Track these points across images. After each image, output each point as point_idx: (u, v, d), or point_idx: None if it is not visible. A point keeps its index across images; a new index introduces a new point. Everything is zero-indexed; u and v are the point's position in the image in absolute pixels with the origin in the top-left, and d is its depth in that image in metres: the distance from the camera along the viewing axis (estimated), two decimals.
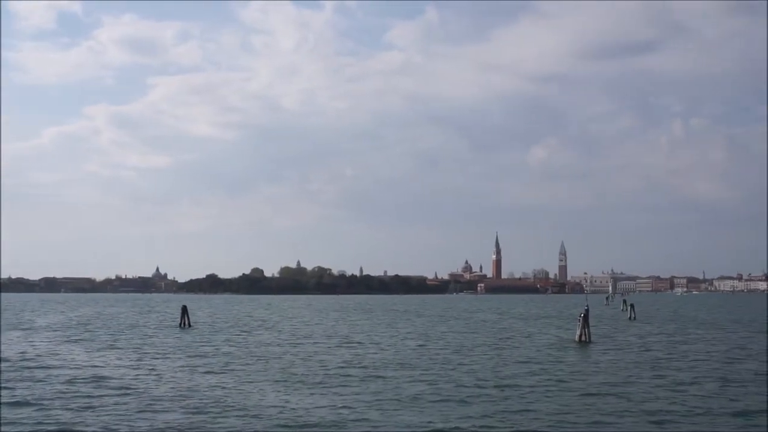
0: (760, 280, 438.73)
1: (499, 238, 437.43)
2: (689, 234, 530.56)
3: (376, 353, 32.15)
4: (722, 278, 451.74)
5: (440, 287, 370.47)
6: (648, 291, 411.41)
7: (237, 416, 16.95)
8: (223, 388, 21.24)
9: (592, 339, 37.72)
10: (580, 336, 37.66)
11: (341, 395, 19.90)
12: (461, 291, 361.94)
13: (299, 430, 15.70)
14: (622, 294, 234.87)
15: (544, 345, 36.58)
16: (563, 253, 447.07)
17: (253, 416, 16.98)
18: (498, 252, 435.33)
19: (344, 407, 18.06)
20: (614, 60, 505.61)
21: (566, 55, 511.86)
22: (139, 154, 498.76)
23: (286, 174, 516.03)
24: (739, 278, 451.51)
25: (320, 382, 22.50)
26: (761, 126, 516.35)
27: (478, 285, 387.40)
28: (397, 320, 66.82)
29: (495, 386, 21.52)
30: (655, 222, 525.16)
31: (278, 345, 36.80)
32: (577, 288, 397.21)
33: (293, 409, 17.89)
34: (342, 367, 26.45)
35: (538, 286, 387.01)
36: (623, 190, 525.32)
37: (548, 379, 23.08)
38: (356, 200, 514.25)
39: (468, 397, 19.64)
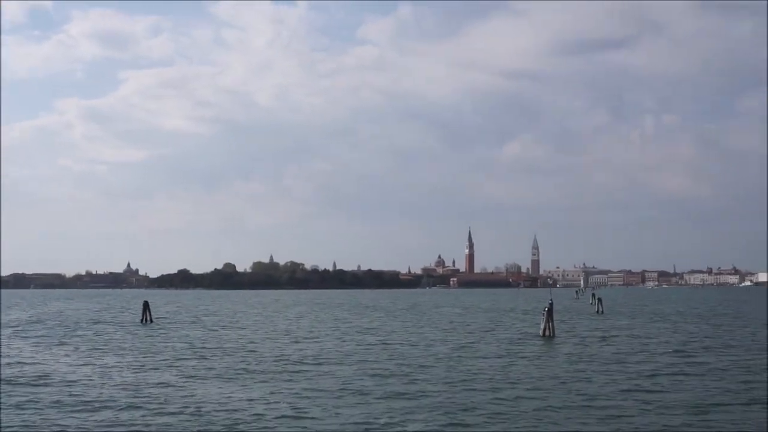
0: (729, 274, 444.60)
1: (472, 233, 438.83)
2: (660, 229, 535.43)
3: (333, 349, 31.54)
4: (692, 272, 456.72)
5: (413, 282, 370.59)
6: (620, 285, 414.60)
7: (173, 413, 16.28)
8: (168, 385, 20.56)
9: (556, 333, 37.29)
10: (544, 330, 37.25)
11: (288, 391, 19.29)
12: (434, 285, 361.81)
13: (233, 428, 15.07)
14: (594, 288, 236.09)
15: (506, 339, 36.18)
16: (536, 248, 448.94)
17: (191, 413, 16.33)
18: (471, 246, 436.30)
19: (288, 403, 17.48)
20: (588, 56, 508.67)
21: (540, 51, 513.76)
22: (111, 149, 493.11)
23: (261, 170, 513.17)
24: (709, 272, 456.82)
25: (270, 378, 21.89)
26: (731, 123, 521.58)
27: (451, 279, 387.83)
28: (362, 315, 66.33)
29: (446, 382, 20.98)
30: (627, 217, 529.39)
31: (236, 341, 36.12)
32: (549, 282, 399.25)
33: (235, 406, 17.24)
34: (295, 363, 25.80)
35: (510, 280, 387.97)
36: (596, 185, 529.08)
37: (502, 375, 22.60)
38: (331, 196, 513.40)
39: (418, 392, 19.11)
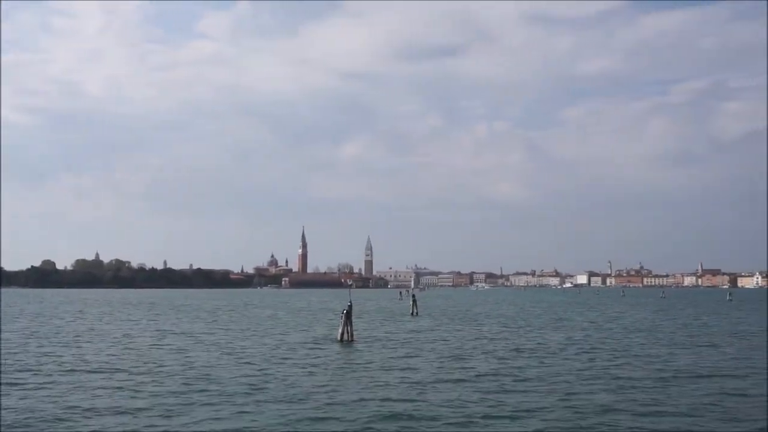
0: (551, 276, 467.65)
1: (306, 233, 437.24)
2: (489, 231, 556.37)
3: (94, 355, 28.21)
4: (518, 274, 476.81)
5: (244, 281, 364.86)
6: (449, 286, 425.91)
7: None
8: None
9: (355, 337, 35.33)
10: (342, 334, 35.21)
11: None
12: (266, 285, 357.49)
13: None
14: (422, 288, 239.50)
15: (297, 344, 33.95)
16: (369, 249, 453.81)
17: None
18: (304, 246, 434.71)
19: None
20: (423, 61, 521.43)
21: (377, 54, 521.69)
22: None
23: (89, 163, 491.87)
24: (533, 274, 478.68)
25: None
26: (555, 131, 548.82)
27: (283, 279, 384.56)
28: (163, 315, 63.06)
29: (163, 392, 18.57)
30: (458, 219, 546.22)
31: None
32: (381, 282, 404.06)
33: None
34: (30, 371, 22.42)
35: (343, 280, 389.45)
36: (429, 188, 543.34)
37: (252, 384, 20.27)
38: (163, 192, 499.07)
39: (149, 402, 16.75)
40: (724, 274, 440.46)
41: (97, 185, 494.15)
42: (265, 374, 22.20)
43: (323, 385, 19.90)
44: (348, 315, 35.62)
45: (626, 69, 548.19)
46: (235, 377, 21.47)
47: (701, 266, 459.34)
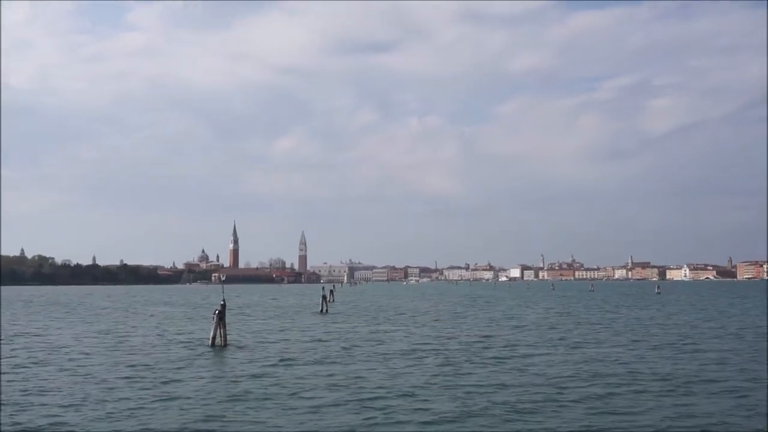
0: (485, 270, 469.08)
1: (239, 228, 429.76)
2: (424, 226, 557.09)
3: None
4: (451, 268, 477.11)
5: (173, 277, 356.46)
6: (384, 280, 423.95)
7: None
8: None
9: (228, 342, 31.02)
10: (214, 338, 30.92)
11: None
12: (195, 281, 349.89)
13: None
14: (353, 283, 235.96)
15: (164, 345, 30.24)
16: (303, 243, 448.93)
17: None
18: (235, 241, 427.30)
19: None
20: (357, 56, 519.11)
21: (311, 49, 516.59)
22: None
23: (15, 156, 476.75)
24: (467, 268, 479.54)
25: None
26: (487, 127, 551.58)
27: (213, 275, 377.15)
28: (48, 312, 58.85)
29: None
30: (392, 213, 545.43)
31: None
32: (313, 277, 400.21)
33: None
34: None
35: (274, 275, 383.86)
36: (363, 182, 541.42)
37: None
38: (93, 186, 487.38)
39: None
40: (653, 267, 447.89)
41: (25, 179, 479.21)
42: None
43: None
44: (220, 316, 31.35)
45: (556, 66, 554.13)
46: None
47: (631, 259, 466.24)
